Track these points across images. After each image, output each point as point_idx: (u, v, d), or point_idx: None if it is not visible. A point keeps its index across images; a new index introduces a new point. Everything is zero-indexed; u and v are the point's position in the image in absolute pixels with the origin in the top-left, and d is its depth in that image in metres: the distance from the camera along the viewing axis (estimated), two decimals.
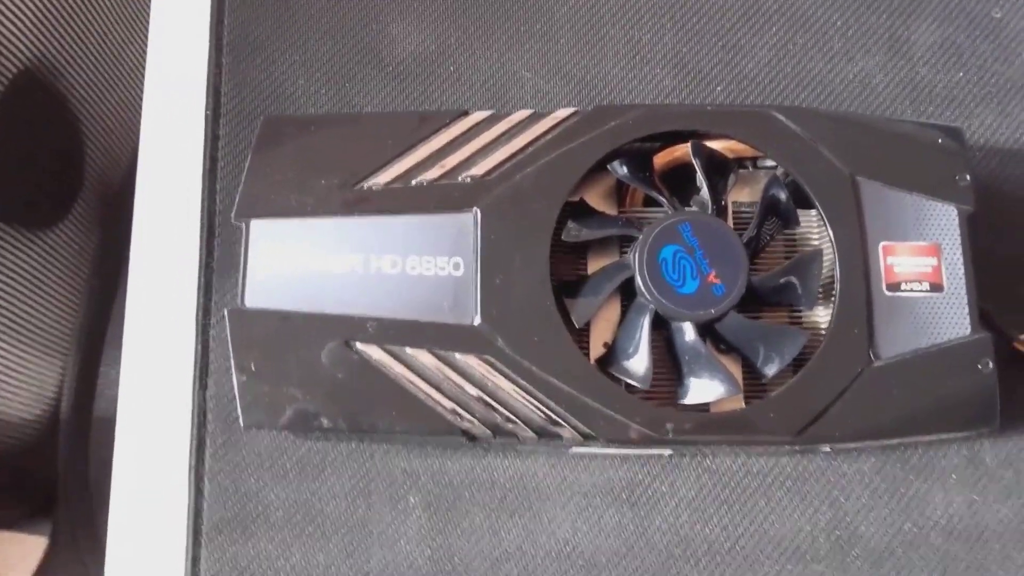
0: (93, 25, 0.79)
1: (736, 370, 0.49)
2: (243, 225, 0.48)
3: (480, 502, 0.51)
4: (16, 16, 0.69)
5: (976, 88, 0.58)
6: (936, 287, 0.49)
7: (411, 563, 0.50)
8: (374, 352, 0.46)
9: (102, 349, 0.90)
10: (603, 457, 0.52)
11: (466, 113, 0.50)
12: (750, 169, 0.53)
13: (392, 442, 0.51)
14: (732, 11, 0.59)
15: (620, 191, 0.53)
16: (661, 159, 0.52)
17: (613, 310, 0.50)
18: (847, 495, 0.52)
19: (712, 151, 0.50)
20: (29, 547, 0.85)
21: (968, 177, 0.50)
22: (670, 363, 0.49)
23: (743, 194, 0.52)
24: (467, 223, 0.48)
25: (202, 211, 0.55)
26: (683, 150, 0.51)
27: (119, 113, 0.86)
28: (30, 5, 0.70)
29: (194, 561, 0.50)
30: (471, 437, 0.47)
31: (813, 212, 0.51)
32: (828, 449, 0.50)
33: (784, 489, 0.52)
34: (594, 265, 0.51)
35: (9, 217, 0.74)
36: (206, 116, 0.56)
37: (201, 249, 0.54)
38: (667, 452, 0.51)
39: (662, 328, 0.49)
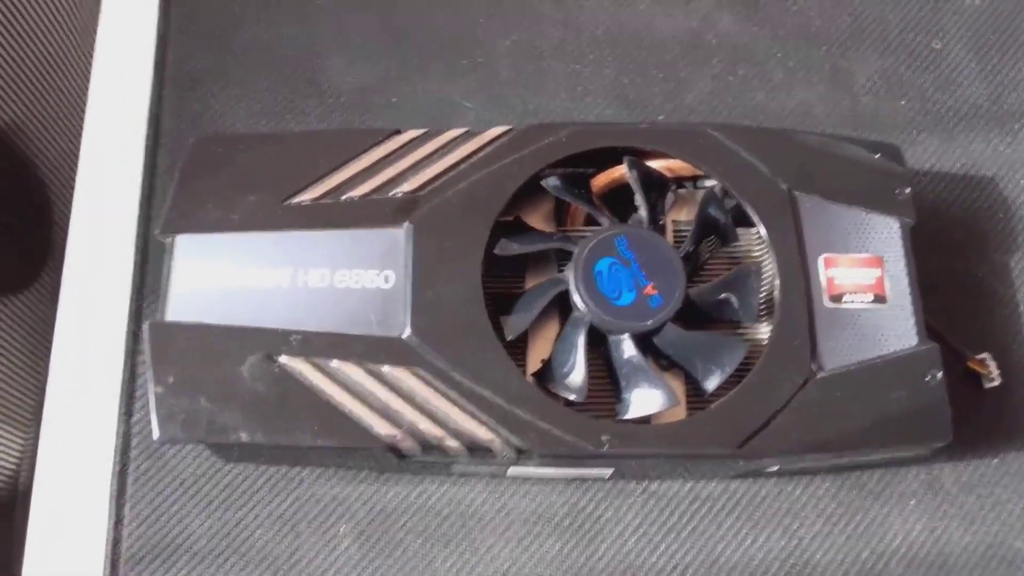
0: (63, 95, 0.79)
1: (679, 387, 0.48)
2: (168, 240, 0.47)
3: (414, 530, 0.49)
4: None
5: (919, 116, 0.58)
6: (880, 299, 0.48)
7: None
8: (298, 365, 0.45)
9: None
10: (543, 481, 0.50)
11: (399, 131, 0.50)
12: (689, 189, 0.52)
13: (315, 462, 0.49)
14: (673, 44, 0.60)
15: (559, 214, 0.52)
16: (599, 182, 0.51)
17: (551, 328, 0.49)
18: (801, 521, 0.49)
19: (648, 168, 0.50)
20: None
21: (908, 190, 0.49)
22: (609, 380, 0.47)
23: (682, 213, 0.52)
24: (398, 237, 0.47)
25: (137, 238, 0.54)
26: (620, 171, 0.51)
27: None
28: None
29: None
30: (399, 454, 0.45)
31: (753, 230, 0.51)
32: (776, 468, 0.48)
33: (735, 515, 0.50)
34: (532, 283, 0.50)
35: None
36: (146, 146, 0.56)
37: (135, 276, 0.53)
38: (607, 474, 0.48)
39: (600, 346, 0.48)
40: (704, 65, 0.59)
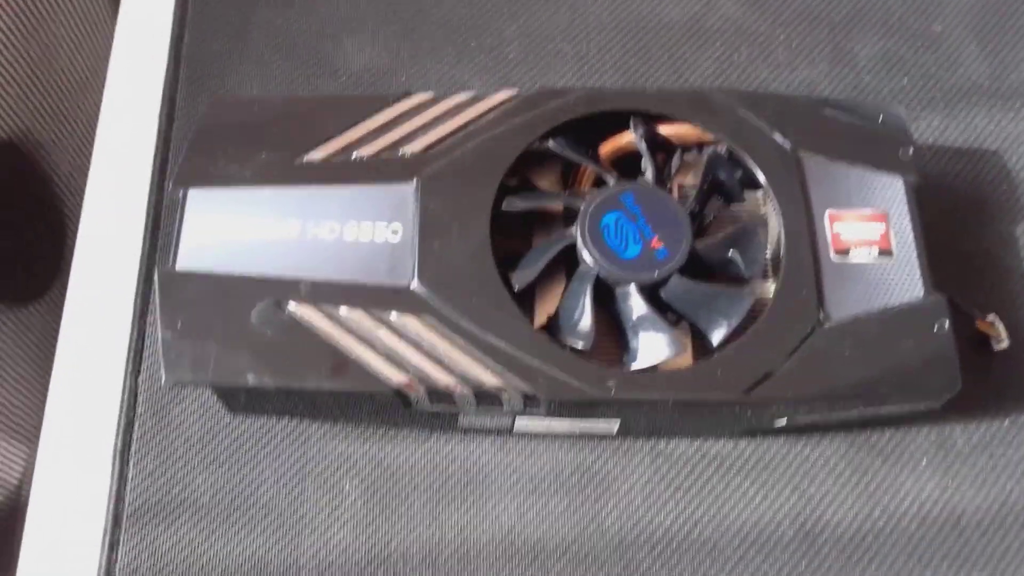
0: (80, 80, 0.81)
1: (685, 341, 0.48)
2: (181, 193, 0.48)
3: (420, 487, 0.48)
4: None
5: (921, 93, 0.59)
6: (886, 252, 0.48)
7: (344, 550, 0.47)
8: (306, 311, 0.45)
9: None
10: (549, 439, 0.49)
11: (408, 94, 0.51)
12: (695, 155, 0.53)
13: (321, 413, 0.48)
14: (677, 28, 0.61)
15: (566, 181, 0.53)
16: (605, 149, 0.52)
17: (558, 287, 0.49)
18: (811, 480, 0.49)
19: (654, 129, 0.51)
20: None
21: (911, 150, 0.50)
22: (616, 336, 0.47)
23: (688, 178, 0.52)
24: (406, 193, 0.48)
25: (148, 208, 0.55)
26: (626, 138, 0.52)
27: None
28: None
29: (111, 547, 0.47)
30: (406, 400, 0.45)
31: (759, 193, 0.51)
32: (784, 422, 0.47)
33: (743, 475, 0.49)
34: (539, 243, 0.50)
35: None
36: (160, 120, 0.57)
37: (144, 243, 0.54)
38: (614, 428, 0.48)
39: (607, 303, 0.48)
40: (708, 46, 0.60)
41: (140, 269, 0.53)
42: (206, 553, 0.47)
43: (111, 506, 0.48)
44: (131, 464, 0.49)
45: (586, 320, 0.46)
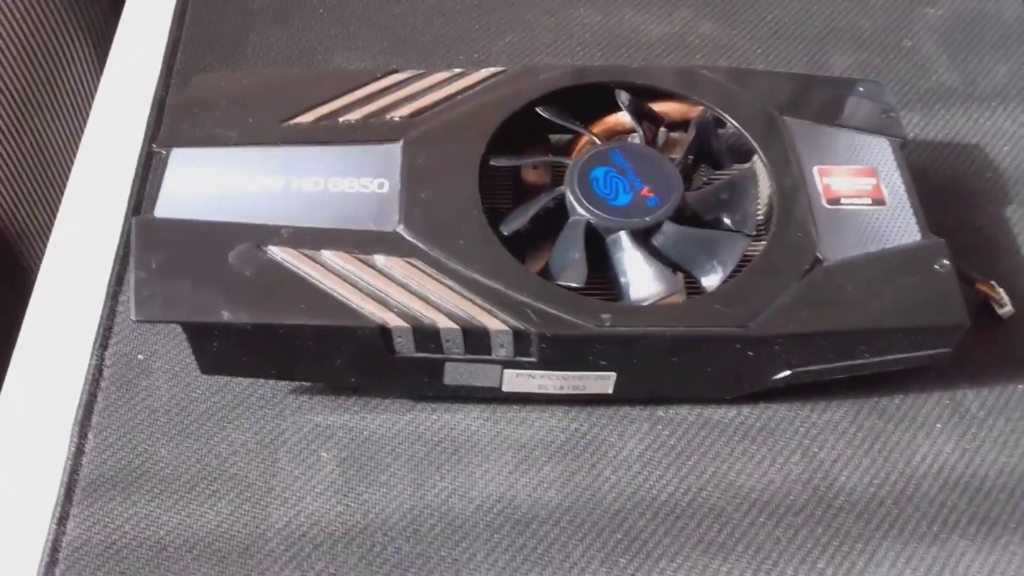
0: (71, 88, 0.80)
1: (679, 284, 0.46)
2: (164, 153, 0.47)
3: (402, 456, 0.45)
4: None
5: (899, 96, 0.60)
6: (878, 202, 0.47)
7: (317, 520, 0.43)
8: (287, 254, 0.43)
9: None
10: (540, 406, 0.46)
11: (395, 70, 0.51)
12: (681, 133, 0.53)
13: (300, 365, 0.45)
14: (658, 44, 0.63)
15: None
16: (593, 130, 0.52)
17: (547, 250, 0.48)
18: (820, 445, 0.46)
19: (641, 102, 0.51)
20: None
21: (894, 112, 0.50)
22: (609, 286, 0.46)
23: (675, 153, 0.52)
24: (393, 152, 0.47)
25: (132, 190, 0.54)
26: (613, 119, 0.52)
27: None
28: None
29: (61, 520, 0.42)
30: (390, 345, 0.42)
31: (746, 164, 0.51)
32: (788, 373, 0.45)
33: (748, 440, 0.46)
34: None
35: None
36: (147, 130, 0.57)
37: (124, 222, 0.53)
38: (610, 384, 0.45)
39: (599, 259, 0.46)
40: (688, 59, 0.62)
41: (117, 248, 0.52)
42: (164, 526, 0.43)
43: (64, 478, 0.44)
44: (90, 436, 0.45)
45: (577, 260, 0.44)
